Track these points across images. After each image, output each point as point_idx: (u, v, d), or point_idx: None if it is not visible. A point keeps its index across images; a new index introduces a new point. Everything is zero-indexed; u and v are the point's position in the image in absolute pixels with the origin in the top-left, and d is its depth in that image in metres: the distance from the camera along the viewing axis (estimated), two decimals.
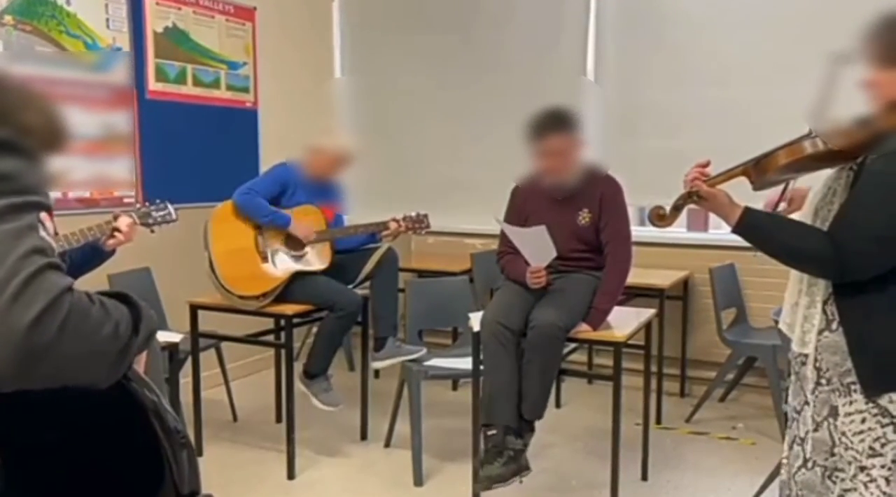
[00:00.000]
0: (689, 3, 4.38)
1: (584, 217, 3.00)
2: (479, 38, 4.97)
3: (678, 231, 4.21)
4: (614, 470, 2.87)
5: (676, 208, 1.88)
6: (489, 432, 2.80)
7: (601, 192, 3.00)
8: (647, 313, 3.20)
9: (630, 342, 2.93)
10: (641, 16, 4.50)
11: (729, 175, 1.79)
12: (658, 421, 3.94)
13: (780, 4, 4.08)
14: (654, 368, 3.64)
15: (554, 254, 2.88)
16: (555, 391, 4.20)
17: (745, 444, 3.71)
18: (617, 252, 2.99)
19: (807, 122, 1.69)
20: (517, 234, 2.98)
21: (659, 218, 1.91)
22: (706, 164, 1.82)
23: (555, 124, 2.91)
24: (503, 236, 3.13)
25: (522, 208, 3.10)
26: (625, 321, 3.02)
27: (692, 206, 1.86)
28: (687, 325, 4.42)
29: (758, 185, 1.80)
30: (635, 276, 3.54)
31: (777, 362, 3.53)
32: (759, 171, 1.74)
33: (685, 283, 4.39)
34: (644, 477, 3.28)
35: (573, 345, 3.10)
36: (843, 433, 1.62)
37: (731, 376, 4.18)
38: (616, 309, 3.11)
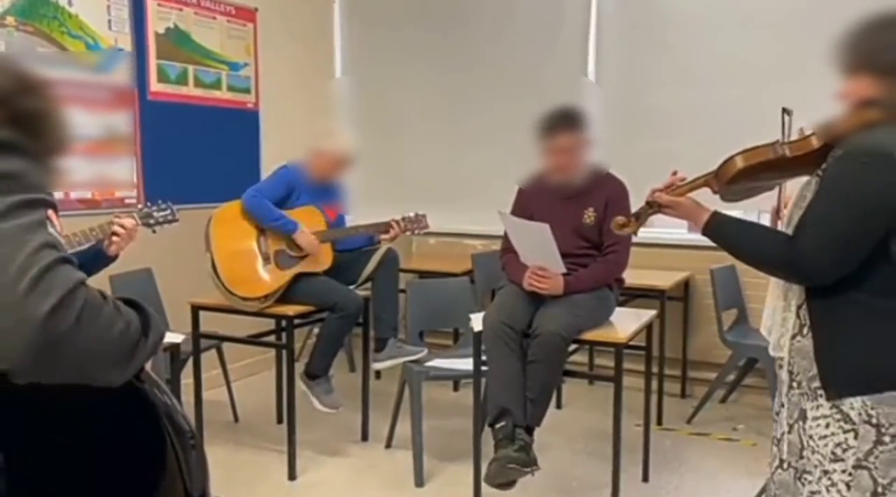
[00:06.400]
0: (691, 4, 4.38)
1: (588, 216, 3.01)
2: (480, 38, 4.97)
3: (679, 232, 4.19)
4: (615, 471, 2.87)
5: (637, 217, 1.95)
6: (498, 425, 2.78)
7: (608, 193, 3.00)
8: (648, 314, 3.20)
9: (631, 343, 2.93)
10: (643, 17, 4.50)
11: (692, 186, 1.82)
12: (659, 422, 3.94)
13: (780, 6, 4.08)
14: (654, 369, 3.64)
15: (558, 261, 2.86)
16: (555, 392, 4.19)
17: (745, 445, 3.71)
18: (614, 258, 3.00)
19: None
20: (516, 227, 2.97)
21: (620, 226, 1.98)
22: (674, 174, 1.87)
23: (565, 122, 2.94)
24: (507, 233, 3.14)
25: (527, 206, 3.10)
26: (626, 322, 3.02)
27: (658, 214, 1.90)
28: (688, 326, 4.42)
29: (723, 195, 1.82)
30: (636, 277, 3.56)
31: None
32: (718, 179, 1.76)
33: (686, 285, 4.39)
34: (645, 478, 3.28)
35: (574, 346, 3.09)
36: (811, 436, 1.65)
37: (731, 377, 4.18)
38: (617, 310, 3.12)
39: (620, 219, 1.98)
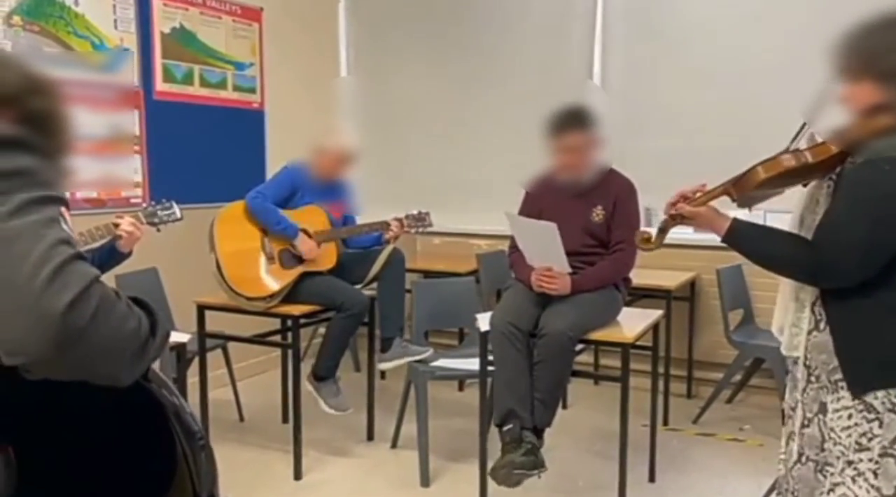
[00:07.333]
0: (695, 5, 4.37)
1: (597, 214, 3.00)
2: (485, 38, 4.96)
3: (685, 232, 4.19)
4: (621, 471, 2.87)
5: (661, 231, 1.98)
6: (505, 428, 2.78)
7: (616, 191, 3.00)
8: (655, 314, 3.19)
9: (637, 343, 2.92)
10: (648, 18, 4.49)
11: (711, 195, 1.85)
12: (665, 422, 3.93)
13: (787, 6, 4.06)
14: (661, 369, 3.63)
15: (563, 261, 2.85)
16: None
17: (752, 445, 3.69)
18: (621, 256, 2.99)
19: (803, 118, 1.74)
20: (522, 227, 2.97)
21: (645, 241, 2.04)
22: (702, 186, 1.89)
23: (574, 121, 2.94)
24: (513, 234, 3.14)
25: (535, 206, 3.10)
26: (632, 322, 3.01)
27: (680, 226, 1.93)
28: (694, 326, 4.41)
29: (741, 203, 1.84)
30: (642, 277, 3.55)
31: (785, 364, 3.52)
32: (739, 188, 1.79)
33: (692, 285, 4.38)
34: (651, 478, 3.27)
35: (580, 345, 3.09)
36: (832, 429, 1.66)
37: (738, 377, 4.17)
38: (624, 310, 3.11)
39: (645, 233, 2.02)
